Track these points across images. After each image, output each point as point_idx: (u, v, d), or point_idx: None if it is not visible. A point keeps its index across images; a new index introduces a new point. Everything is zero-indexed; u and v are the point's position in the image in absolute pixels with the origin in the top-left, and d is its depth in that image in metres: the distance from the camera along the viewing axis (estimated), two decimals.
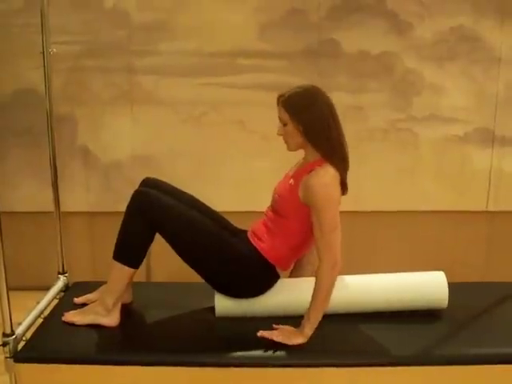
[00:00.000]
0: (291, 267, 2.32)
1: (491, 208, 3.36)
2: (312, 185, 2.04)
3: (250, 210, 2.99)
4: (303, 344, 2.01)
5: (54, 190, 2.64)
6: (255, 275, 2.19)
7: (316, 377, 2.00)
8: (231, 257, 2.18)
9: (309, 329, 2.03)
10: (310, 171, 2.08)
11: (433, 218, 3.38)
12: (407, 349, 2.05)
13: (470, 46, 3.18)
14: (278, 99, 2.11)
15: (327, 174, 2.07)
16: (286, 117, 2.09)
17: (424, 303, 2.27)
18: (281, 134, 2.14)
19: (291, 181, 2.16)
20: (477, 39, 3.18)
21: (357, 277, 2.28)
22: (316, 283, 2.04)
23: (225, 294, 2.22)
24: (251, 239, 2.21)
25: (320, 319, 2.04)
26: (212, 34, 3.13)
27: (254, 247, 2.18)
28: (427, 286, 2.28)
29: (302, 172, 2.13)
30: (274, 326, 2.09)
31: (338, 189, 2.09)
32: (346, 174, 2.14)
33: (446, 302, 2.26)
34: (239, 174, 3.27)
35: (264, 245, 2.18)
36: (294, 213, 2.13)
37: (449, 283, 2.26)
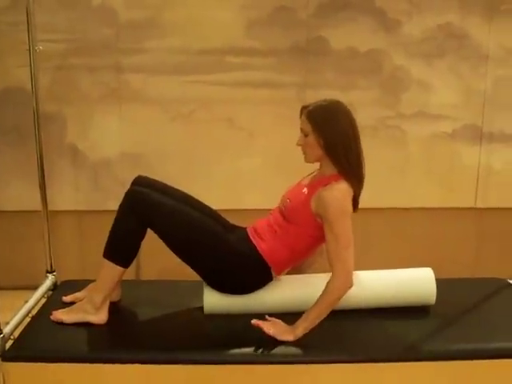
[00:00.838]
0: (285, 272, 2.31)
1: (480, 205, 3.38)
2: (324, 196, 2.05)
3: (239, 208, 2.99)
4: (293, 341, 2.01)
5: (41, 188, 2.63)
6: (249, 273, 2.19)
7: (307, 373, 2.00)
8: (227, 253, 2.17)
9: (302, 329, 2.03)
10: (326, 185, 2.09)
11: (422, 215, 3.39)
12: (394, 345, 2.06)
13: (457, 43, 3.20)
14: (302, 110, 2.13)
15: (341, 188, 2.08)
16: (308, 128, 2.10)
17: (412, 299, 2.27)
18: (300, 144, 2.15)
19: (305, 190, 2.16)
20: (465, 36, 3.19)
21: None
22: (324, 292, 2.04)
23: (218, 290, 2.21)
24: (251, 237, 2.20)
25: (315, 324, 2.04)
26: (200, 31, 3.12)
27: (254, 245, 2.18)
28: (415, 282, 2.29)
29: (317, 184, 2.14)
30: (268, 317, 2.08)
31: (350, 203, 2.10)
32: (360, 192, 2.16)
33: (434, 297, 2.27)
34: (228, 172, 3.27)
35: (264, 245, 2.17)
36: (303, 221, 2.13)
37: (436, 279, 2.27)
